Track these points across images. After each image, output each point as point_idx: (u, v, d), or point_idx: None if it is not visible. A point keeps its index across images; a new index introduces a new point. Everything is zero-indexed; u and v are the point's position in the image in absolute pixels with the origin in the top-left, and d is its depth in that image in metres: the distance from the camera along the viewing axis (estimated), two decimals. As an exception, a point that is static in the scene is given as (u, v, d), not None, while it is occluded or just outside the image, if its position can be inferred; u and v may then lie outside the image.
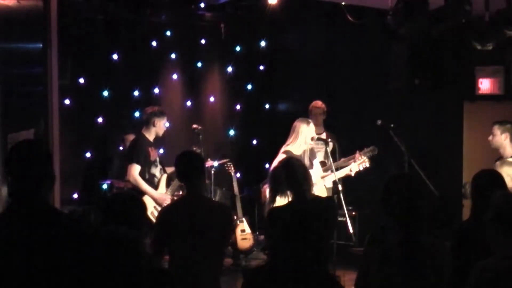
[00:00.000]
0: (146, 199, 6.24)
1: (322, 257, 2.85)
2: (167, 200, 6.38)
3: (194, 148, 6.90)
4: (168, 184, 6.61)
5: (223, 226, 4.33)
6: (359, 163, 6.40)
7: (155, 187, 6.47)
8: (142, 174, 6.35)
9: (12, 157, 2.98)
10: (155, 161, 6.49)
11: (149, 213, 6.21)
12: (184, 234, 4.10)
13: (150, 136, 6.50)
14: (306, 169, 4.74)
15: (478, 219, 3.66)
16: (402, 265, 3.01)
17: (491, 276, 2.84)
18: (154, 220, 6.06)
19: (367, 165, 6.45)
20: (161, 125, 6.53)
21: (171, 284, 2.98)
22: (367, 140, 6.99)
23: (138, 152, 6.34)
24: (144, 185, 6.31)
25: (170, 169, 6.75)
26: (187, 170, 4.26)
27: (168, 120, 8.49)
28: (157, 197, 6.36)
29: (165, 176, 6.58)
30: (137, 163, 6.29)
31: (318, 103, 7.40)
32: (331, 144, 6.51)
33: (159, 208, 6.28)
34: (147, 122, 6.51)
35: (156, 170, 6.51)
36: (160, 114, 6.55)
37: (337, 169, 6.14)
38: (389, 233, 3.09)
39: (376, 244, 3.18)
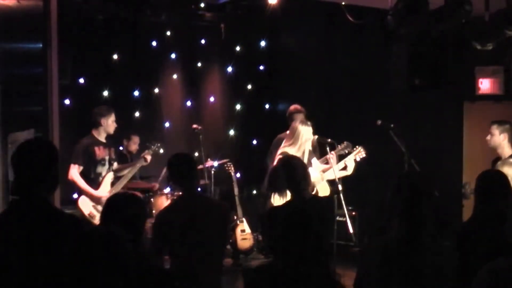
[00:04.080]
0: (84, 199, 6.20)
1: (323, 256, 2.85)
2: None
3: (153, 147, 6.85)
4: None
5: (222, 224, 4.35)
6: (355, 154, 6.40)
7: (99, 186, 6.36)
8: (86, 173, 6.28)
9: (15, 155, 2.99)
10: (103, 160, 6.39)
11: (86, 213, 6.17)
12: (184, 234, 4.11)
13: (100, 135, 6.43)
14: (305, 168, 4.73)
15: (480, 219, 3.66)
16: (402, 265, 3.01)
17: (500, 277, 2.81)
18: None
19: (364, 154, 6.44)
20: (108, 123, 6.42)
21: (171, 284, 2.98)
22: (367, 140, 6.98)
23: (78, 153, 6.28)
24: (82, 184, 6.23)
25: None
26: (183, 171, 4.30)
27: (168, 120, 8.54)
28: (96, 195, 6.23)
29: (110, 174, 6.47)
30: (76, 163, 6.23)
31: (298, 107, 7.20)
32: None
33: (99, 207, 6.15)
34: (94, 122, 6.44)
35: (103, 169, 6.40)
36: (106, 112, 6.44)
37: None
38: (391, 232, 3.08)
39: (376, 244, 3.18)
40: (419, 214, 3.04)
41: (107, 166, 6.44)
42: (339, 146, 6.38)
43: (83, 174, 6.27)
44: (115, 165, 6.62)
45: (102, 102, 7.77)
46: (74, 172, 6.24)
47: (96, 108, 6.56)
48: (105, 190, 6.35)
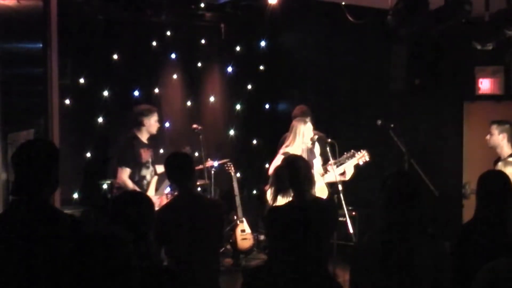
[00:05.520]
0: None
1: (322, 257, 2.85)
2: (155, 203, 6.28)
3: (187, 148, 6.81)
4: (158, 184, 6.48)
5: (219, 223, 4.36)
6: (358, 158, 6.41)
7: (144, 190, 6.27)
8: (132, 176, 6.22)
9: (15, 156, 2.99)
10: (147, 162, 6.34)
11: None
12: (181, 233, 4.12)
13: (143, 136, 6.35)
14: (309, 168, 4.73)
15: (482, 220, 3.65)
16: (399, 265, 3.00)
17: (500, 277, 2.80)
18: None
19: (367, 158, 6.45)
20: (152, 122, 6.33)
21: (175, 284, 2.97)
22: (367, 140, 6.99)
23: (128, 155, 6.21)
24: (132, 188, 6.15)
25: (160, 167, 6.69)
26: (180, 171, 4.31)
27: (168, 120, 8.52)
28: None
29: (155, 178, 6.43)
30: (127, 166, 6.17)
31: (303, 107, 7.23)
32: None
33: None
34: (136, 122, 6.35)
35: (147, 172, 6.35)
36: (148, 112, 6.35)
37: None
38: (385, 233, 3.08)
39: (372, 244, 3.18)
40: (413, 213, 3.02)
41: (150, 168, 6.36)
42: (345, 153, 6.40)
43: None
44: (157, 168, 6.51)
45: (102, 102, 7.77)
46: (125, 176, 6.15)
47: (137, 108, 6.48)
48: (152, 194, 6.28)
